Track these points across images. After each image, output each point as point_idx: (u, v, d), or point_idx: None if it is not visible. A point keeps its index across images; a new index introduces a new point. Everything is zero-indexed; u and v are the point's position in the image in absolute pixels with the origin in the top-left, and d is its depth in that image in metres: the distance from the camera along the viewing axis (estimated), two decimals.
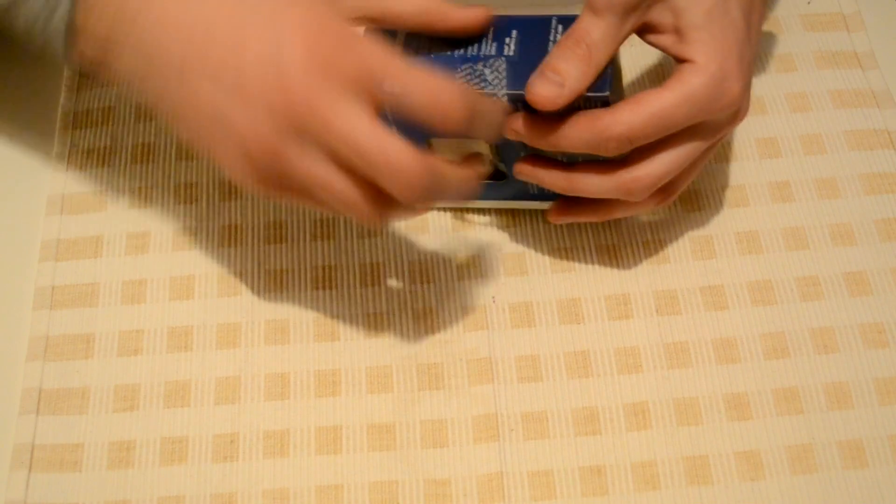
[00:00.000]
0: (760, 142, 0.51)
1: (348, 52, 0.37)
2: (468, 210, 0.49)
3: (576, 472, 0.43)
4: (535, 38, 0.42)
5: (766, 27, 0.55)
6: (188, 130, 0.39)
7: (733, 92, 0.40)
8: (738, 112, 0.42)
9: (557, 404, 0.44)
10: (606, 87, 0.40)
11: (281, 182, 0.38)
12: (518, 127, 0.42)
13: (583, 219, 0.47)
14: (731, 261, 0.48)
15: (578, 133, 0.40)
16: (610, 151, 0.40)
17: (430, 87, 0.37)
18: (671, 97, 0.40)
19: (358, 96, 0.36)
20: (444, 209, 0.50)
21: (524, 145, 0.43)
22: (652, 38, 0.42)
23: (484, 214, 0.49)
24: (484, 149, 0.45)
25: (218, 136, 0.37)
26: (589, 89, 0.40)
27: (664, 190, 0.43)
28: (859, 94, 0.53)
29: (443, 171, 0.38)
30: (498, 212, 0.49)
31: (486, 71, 0.42)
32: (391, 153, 0.36)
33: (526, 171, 0.44)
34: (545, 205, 0.47)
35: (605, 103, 0.40)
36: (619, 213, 0.45)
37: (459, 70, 0.42)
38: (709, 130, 0.42)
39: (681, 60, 0.41)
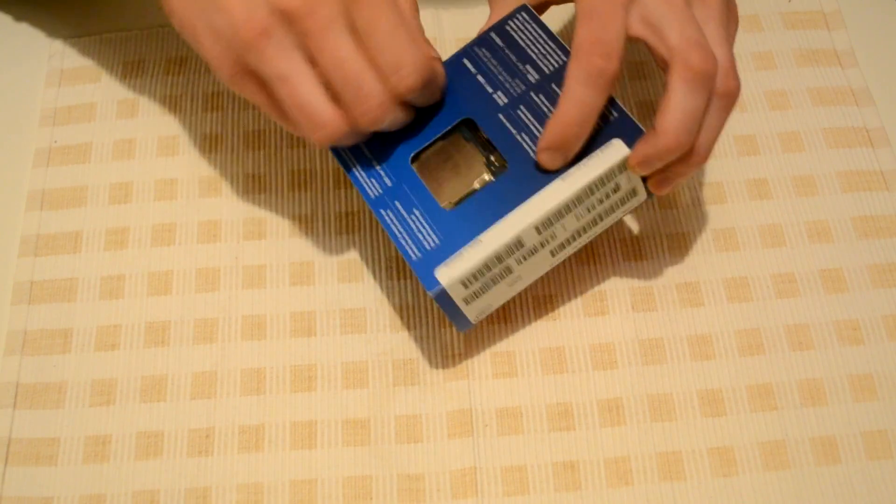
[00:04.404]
0: (739, 139, 0.51)
1: None
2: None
3: (549, 468, 0.43)
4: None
5: (745, 25, 0.55)
6: (182, 17, 0.40)
7: None
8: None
9: (532, 400, 0.44)
10: None
11: (251, 69, 0.39)
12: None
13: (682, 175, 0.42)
14: (707, 257, 0.48)
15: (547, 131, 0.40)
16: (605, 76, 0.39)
17: (393, 36, 0.39)
18: (577, 27, 0.39)
19: (335, 3, 0.39)
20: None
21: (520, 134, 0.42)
22: None
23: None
24: (478, 158, 0.44)
25: (211, 14, 0.39)
26: None
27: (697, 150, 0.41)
28: (838, 92, 0.53)
29: (397, 113, 0.41)
30: None
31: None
32: (365, 82, 0.39)
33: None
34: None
35: None
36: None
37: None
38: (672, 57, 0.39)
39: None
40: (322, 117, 0.39)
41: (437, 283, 0.40)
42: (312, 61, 0.39)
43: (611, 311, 0.47)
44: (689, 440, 0.43)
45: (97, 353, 0.46)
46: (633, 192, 0.42)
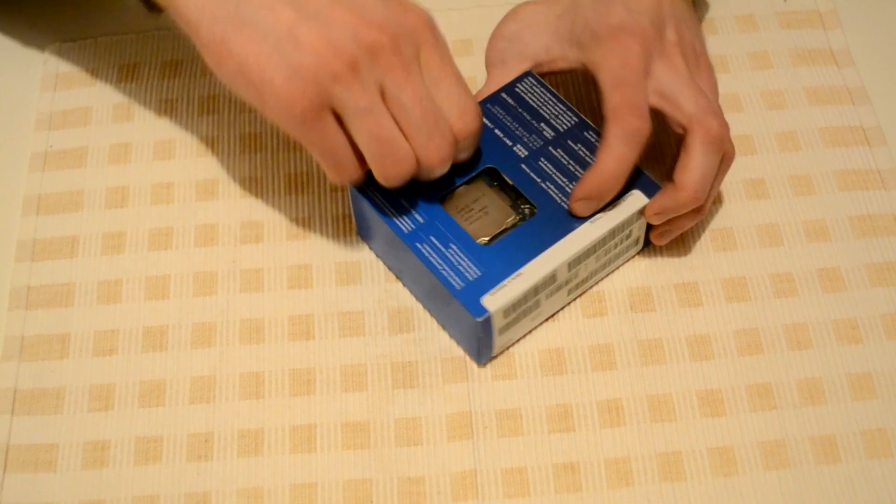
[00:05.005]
0: (736, 139, 0.51)
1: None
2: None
3: (549, 469, 0.43)
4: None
5: (742, 24, 0.55)
6: (247, 58, 0.39)
7: (634, 52, 0.42)
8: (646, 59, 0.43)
9: (531, 401, 0.44)
10: None
11: (330, 104, 0.39)
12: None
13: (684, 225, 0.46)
14: (705, 257, 0.48)
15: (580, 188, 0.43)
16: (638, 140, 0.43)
17: (459, 84, 0.41)
18: (609, 95, 0.43)
19: (412, 46, 0.40)
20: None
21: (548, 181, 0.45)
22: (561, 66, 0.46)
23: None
24: (500, 200, 0.45)
25: (287, 51, 0.38)
26: None
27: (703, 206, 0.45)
28: (835, 92, 0.53)
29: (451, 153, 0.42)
30: None
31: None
32: (442, 122, 0.41)
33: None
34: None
35: None
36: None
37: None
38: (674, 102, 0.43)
39: (594, 73, 0.44)
40: (405, 151, 0.40)
41: (485, 310, 0.41)
42: (385, 98, 0.40)
43: (609, 311, 0.47)
44: (688, 440, 0.43)
45: (95, 358, 0.46)
46: (637, 241, 0.47)
